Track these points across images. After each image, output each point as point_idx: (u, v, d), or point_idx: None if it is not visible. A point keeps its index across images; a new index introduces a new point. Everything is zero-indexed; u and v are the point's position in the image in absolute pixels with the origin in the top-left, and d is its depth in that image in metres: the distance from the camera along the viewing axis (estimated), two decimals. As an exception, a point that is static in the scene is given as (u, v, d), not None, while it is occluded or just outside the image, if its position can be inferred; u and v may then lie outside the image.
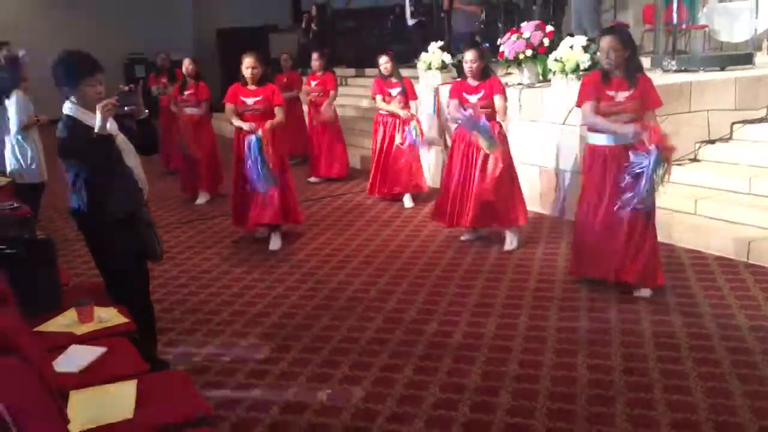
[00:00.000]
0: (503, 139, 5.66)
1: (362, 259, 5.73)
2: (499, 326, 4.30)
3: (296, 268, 5.59)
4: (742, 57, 7.56)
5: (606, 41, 4.43)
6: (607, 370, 3.69)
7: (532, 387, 3.55)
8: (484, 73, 5.67)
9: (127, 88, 3.46)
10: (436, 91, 7.89)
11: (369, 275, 5.35)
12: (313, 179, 8.90)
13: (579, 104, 4.63)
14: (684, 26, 9.28)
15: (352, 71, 13.05)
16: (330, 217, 7.16)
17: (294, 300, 4.92)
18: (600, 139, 4.54)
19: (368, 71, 12.57)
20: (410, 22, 12.56)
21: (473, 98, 5.62)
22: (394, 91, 7.26)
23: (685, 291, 4.66)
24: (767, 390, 3.40)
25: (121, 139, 3.49)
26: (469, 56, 5.64)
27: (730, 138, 6.54)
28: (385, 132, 7.39)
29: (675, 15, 7.88)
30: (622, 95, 4.44)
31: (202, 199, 8.14)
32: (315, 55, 8.91)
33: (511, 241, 5.76)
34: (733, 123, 6.59)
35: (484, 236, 6.02)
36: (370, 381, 3.71)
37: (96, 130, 3.25)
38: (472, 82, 5.67)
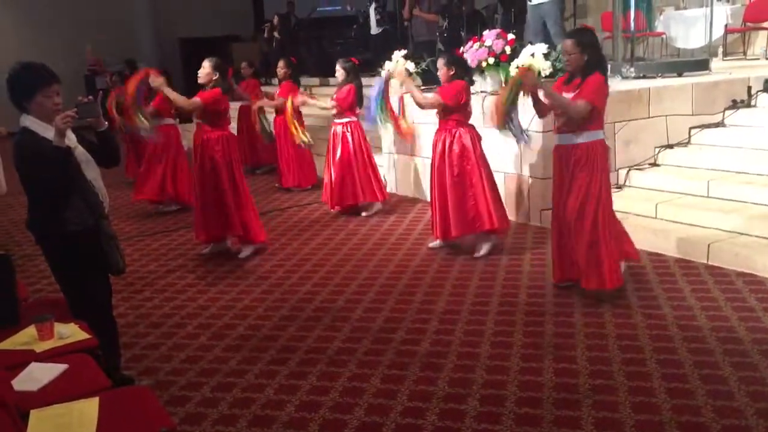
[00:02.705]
0: (476, 143, 5.74)
1: (329, 269, 5.71)
2: (466, 333, 4.31)
3: (262, 280, 5.55)
4: (698, 63, 7.73)
5: (564, 43, 4.53)
6: (572, 373, 3.72)
7: (499, 393, 3.57)
8: (455, 80, 5.69)
9: (86, 99, 3.40)
10: (401, 99, 7.91)
11: (336, 285, 5.33)
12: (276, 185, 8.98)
13: None
14: (641, 34, 9.46)
15: (316, 80, 13.03)
16: (296, 227, 7.12)
17: (260, 312, 4.88)
18: (561, 140, 4.66)
19: (332, 80, 12.57)
20: (375, 30, 12.61)
21: None
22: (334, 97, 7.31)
23: (647, 293, 4.73)
24: (728, 389, 3.47)
25: (80, 151, 3.43)
26: (438, 63, 5.74)
27: (689, 143, 6.68)
28: (334, 142, 7.36)
29: (632, 23, 8.04)
30: (569, 97, 4.53)
31: (173, 206, 8.18)
32: (280, 64, 8.89)
33: (480, 249, 5.78)
34: (691, 128, 6.74)
35: (451, 244, 6.03)
36: (338, 391, 3.69)
37: (54, 143, 3.19)
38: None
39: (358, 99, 7.24)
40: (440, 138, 5.77)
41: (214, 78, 5.93)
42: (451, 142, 5.68)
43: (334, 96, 7.31)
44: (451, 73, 5.66)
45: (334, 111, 7.33)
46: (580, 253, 4.61)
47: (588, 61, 4.44)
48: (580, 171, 4.53)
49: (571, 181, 4.57)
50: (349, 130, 7.29)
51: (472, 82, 5.74)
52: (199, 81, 5.99)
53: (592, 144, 4.54)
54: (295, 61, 9.11)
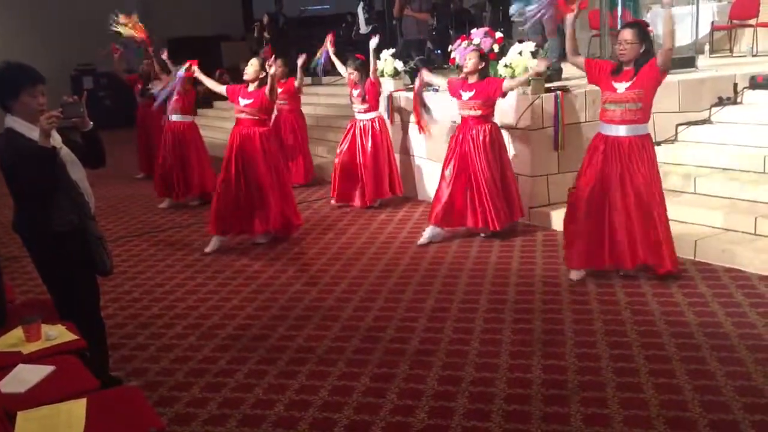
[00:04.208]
0: (498, 139, 6.04)
1: (318, 268, 5.71)
2: (455, 331, 4.32)
3: (251, 279, 5.54)
4: (685, 60, 7.76)
5: (624, 33, 4.66)
6: (561, 370, 3.74)
7: (488, 390, 3.58)
8: (482, 75, 5.90)
9: (71, 99, 3.38)
10: (389, 98, 7.93)
11: (325, 284, 5.33)
12: None
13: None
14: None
15: (308, 79, 12.99)
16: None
17: (249, 311, 4.88)
18: (610, 130, 4.79)
19: (325, 79, 12.55)
20: (364, 29, 12.60)
21: (465, 95, 5.92)
22: (355, 92, 7.48)
23: (635, 290, 4.76)
24: (715, 384, 3.49)
25: (66, 152, 3.40)
26: (470, 53, 5.94)
27: (675, 139, 6.72)
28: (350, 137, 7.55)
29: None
30: (623, 86, 4.68)
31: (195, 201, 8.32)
32: (278, 62, 8.91)
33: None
34: (678, 125, 6.77)
35: (442, 238, 6.06)
36: (327, 390, 3.69)
37: (39, 143, 3.17)
38: (469, 79, 5.93)
39: None
40: (473, 132, 5.92)
41: (261, 76, 6.18)
42: (486, 135, 5.92)
43: (359, 95, 7.42)
44: (481, 67, 5.89)
45: (365, 107, 7.46)
46: (649, 239, 4.75)
47: (643, 53, 4.63)
48: (640, 161, 4.72)
49: (631, 171, 4.71)
50: (378, 124, 7.48)
51: None
52: (246, 78, 6.25)
53: (647, 136, 4.81)
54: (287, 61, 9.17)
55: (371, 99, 7.42)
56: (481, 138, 5.91)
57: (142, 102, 10.01)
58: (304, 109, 10.97)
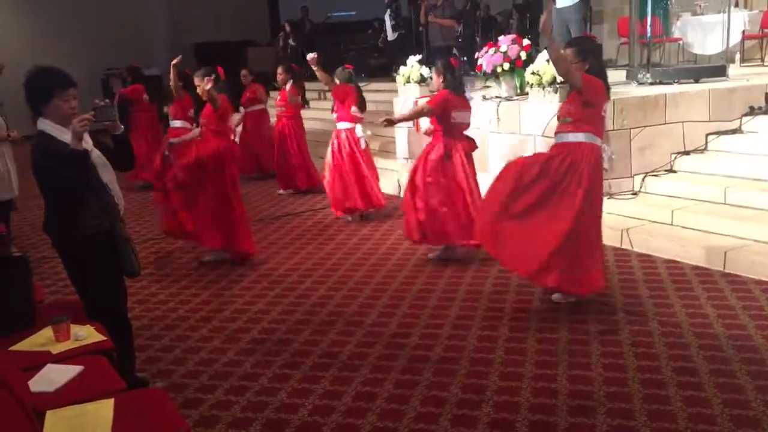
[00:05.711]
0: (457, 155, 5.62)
1: (342, 274, 5.71)
2: (479, 339, 4.30)
3: (276, 284, 5.56)
4: (715, 69, 7.68)
5: (566, 53, 4.54)
6: (587, 381, 3.70)
7: (512, 399, 3.55)
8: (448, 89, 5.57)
9: (102, 102, 3.43)
10: (415, 104, 7.93)
11: (349, 289, 5.33)
12: (281, 192, 8.98)
13: None
14: (658, 39, 9.40)
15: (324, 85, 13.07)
16: (310, 231, 7.13)
17: (274, 315, 4.89)
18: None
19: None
20: (391, 36, 12.63)
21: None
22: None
23: (662, 301, 4.70)
24: (745, 398, 3.43)
25: (96, 155, 3.45)
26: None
27: (705, 149, 6.64)
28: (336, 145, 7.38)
29: (649, 28, 8.00)
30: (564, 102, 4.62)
31: None
32: (279, 69, 8.95)
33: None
34: (708, 134, 6.69)
35: (454, 257, 5.89)
36: (350, 396, 3.69)
37: (71, 146, 3.22)
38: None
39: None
40: (432, 151, 5.63)
41: (207, 87, 5.85)
42: (439, 154, 5.57)
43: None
44: (440, 80, 5.58)
45: (335, 116, 7.35)
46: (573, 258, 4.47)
47: (589, 70, 4.46)
48: (574, 175, 4.39)
49: (564, 186, 4.41)
50: (345, 134, 7.26)
51: (460, 92, 5.64)
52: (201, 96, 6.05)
53: (587, 145, 4.43)
54: (296, 68, 9.21)
55: (337, 107, 7.23)
56: (433, 157, 5.60)
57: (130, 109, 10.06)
58: (319, 114, 11.05)
